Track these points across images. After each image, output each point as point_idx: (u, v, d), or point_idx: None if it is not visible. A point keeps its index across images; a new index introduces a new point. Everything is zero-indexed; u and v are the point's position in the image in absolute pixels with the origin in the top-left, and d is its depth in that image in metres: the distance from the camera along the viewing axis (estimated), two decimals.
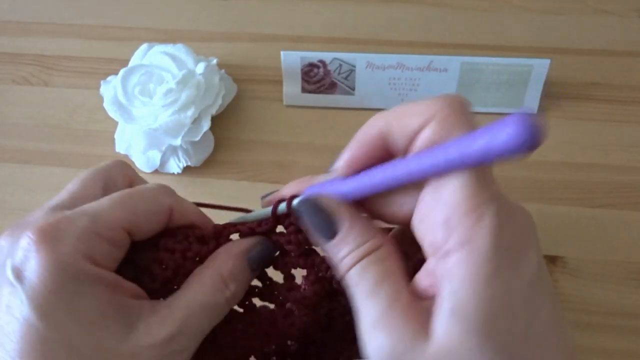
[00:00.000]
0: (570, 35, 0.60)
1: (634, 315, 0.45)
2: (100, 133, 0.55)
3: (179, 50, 0.54)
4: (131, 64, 0.54)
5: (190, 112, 0.50)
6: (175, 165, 0.52)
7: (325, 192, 0.28)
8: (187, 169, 0.52)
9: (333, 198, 0.27)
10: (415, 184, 0.25)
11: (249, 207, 0.33)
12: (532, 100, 0.54)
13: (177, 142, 0.50)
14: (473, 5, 0.63)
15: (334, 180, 0.28)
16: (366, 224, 0.27)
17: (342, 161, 0.27)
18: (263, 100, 0.57)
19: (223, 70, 0.56)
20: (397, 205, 0.26)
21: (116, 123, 0.53)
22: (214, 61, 0.55)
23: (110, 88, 0.53)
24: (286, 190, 0.30)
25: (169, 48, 0.54)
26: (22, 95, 0.59)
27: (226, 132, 0.55)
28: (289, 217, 0.30)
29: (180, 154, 0.52)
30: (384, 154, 0.26)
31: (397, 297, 0.24)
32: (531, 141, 0.20)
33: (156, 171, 0.53)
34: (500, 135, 0.20)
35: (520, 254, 0.23)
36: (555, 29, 0.61)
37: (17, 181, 0.53)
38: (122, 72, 0.52)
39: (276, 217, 0.30)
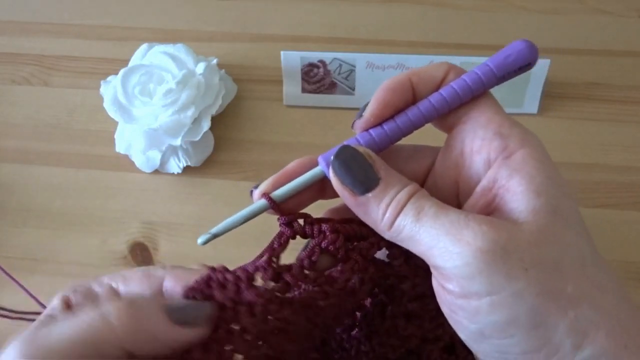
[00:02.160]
0: (570, 35, 0.60)
1: None
2: (100, 133, 0.55)
3: (179, 50, 0.54)
4: (131, 64, 0.54)
5: (190, 112, 0.50)
6: (175, 165, 0.52)
7: (355, 144, 0.27)
8: (187, 169, 0.52)
9: (366, 150, 0.26)
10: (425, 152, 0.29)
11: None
12: (532, 100, 0.54)
13: (177, 142, 0.50)
14: (473, 5, 0.63)
15: (359, 135, 0.27)
16: (398, 172, 0.26)
17: (372, 106, 0.27)
18: (263, 100, 0.57)
19: (223, 70, 0.56)
20: (416, 161, 0.29)
21: (116, 123, 0.53)
22: (214, 61, 0.55)
23: (110, 88, 0.53)
24: (290, 166, 0.28)
25: (169, 48, 0.54)
26: (22, 95, 0.59)
27: (226, 132, 0.55)
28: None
29: (180, 154, 0.52)
30: (407, 100, 0.27)
31: (468, 212, 0.24)
32: (534, 50, 0.27)
33: (156, 171, 0.53)
34: (514, 48, 0.27)
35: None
36: (555, 29, 0.61)
37: (17, 181, 0.53)
38: (122, 72, 0.52)
39: (285, 240, 0.28)
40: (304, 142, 0.55)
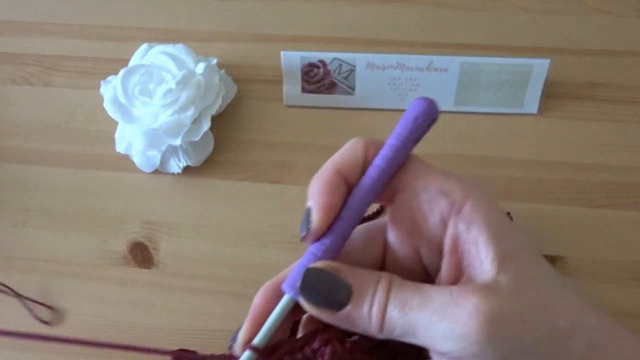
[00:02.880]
0: (570, 35, 0.60)
1: (634, 315, 0.45)
2: (100, 133, 0.55)
3: (179, 50, 0.54)
4: (131, 64, 0.54)
5: (190, 112, 0.50)
6: (175, 165, 0.52)
7: (313, 261, 0.26)
8: (187, 169, 0.52)
9: (326, 262, 0.26)
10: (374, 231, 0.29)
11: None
12: (532, 100, 0.54)
13: (177, 142, 0.50)
14: (473, 5, 0.63)
15: (313, 247, 0.27)
16: (364, 269, 0.26)
17: (317, 215, 0.26)
18: (263, 100, 0.57)
19: (223, 70, 0.56)
20: (370, 245, 0.29)
21: (116, 123, 0.53)
22: (214, 61, 0.55)
23: (110, 88, 0.53)
24: (256, 304, 0.28)
25: (169, 48, 0.54)
26: (22, 95, 0.59)
27: (226, 132, 0.55)
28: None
29: (180, 154, 0.52)
30: (344, 194, 0.27)
31: (448, 287, 0.24)
32: (434, 105, 0.28)
33: (156, 171, 0.53)
34: (418, 109, 0.28)
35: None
36: (555, 29, 0.61)
37: (17, 181, 0.53)
38: (122, 72, 0.52)
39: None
40: (304, 142, 0.55)
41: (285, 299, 0.26)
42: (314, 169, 0.53)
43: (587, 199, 0.51)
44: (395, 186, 0.28)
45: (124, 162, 0.53)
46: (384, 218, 0.29)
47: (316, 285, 0.25)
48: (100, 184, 0.53)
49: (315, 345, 0.26)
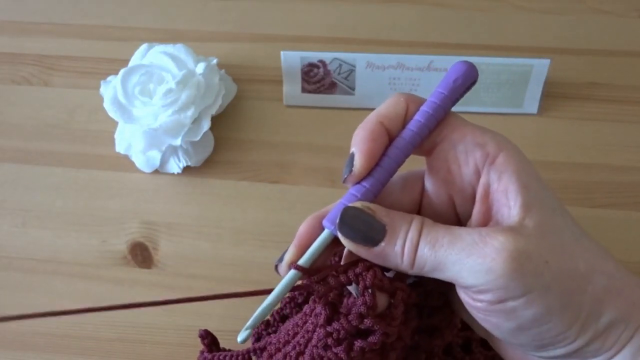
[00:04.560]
0: (570, 35, 0.60)
1: None
2: (100, 133, 0.55)
3: (179, 50, 0.54)
4: (131, 64, 0.54)
5: (190, 112, 0.50)
6: (175, 165, 0.52)
7: (352, 201, 0.28)
8: (187, 169, 0.52)
9: (363, 203, 0.28)
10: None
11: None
12: (532, 100, 0.54)
13: (177, 142, 0.50)
14: (473, 5, 0.63)
15: (353, 188, 0.29)
16: (399, 211, 0.28)
17: (360, 160, 0.28)
18: (263, 100, 0.57)
19: (223, 70, 0.56)
20: (408, 192, 0.31)
21: (116, 123, 0.53)
22: (214, 61, 0.55)
23: (110, 88, 0.53)
24: (301, 232, 0.30)
25: (169, 48, 0.54)
26: (22, 95, 0.59)
27: (226, 132, 0.55)
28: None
29: (180, 154, 0.52)
30: (385, 143, 0.29)
31: (478, 228, 0.26)
32: (474, 68, 0.29)
33: (156, 171, 0.53)
34: (458, 71, 0.29)
35: None
36: (555, 29, 0.61)
37: (17, 181, 0.53)
38: (122, 72, 0.52)
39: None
40: (304, 142, 0.55)
41: (325, 233, 0.28)
42: (314, 169, 0.54)
43: (587, 199, 0.51)
44: (434, 139, 0.29)
45: (124, 162, 0.53)
46: (422, 168, 0.31)
47: (353, 222, 0.27)
48: (100, 184, 0.53)
49: (358, 269, 0.28)
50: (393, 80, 0.54)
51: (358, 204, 0.28)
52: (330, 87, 0.55)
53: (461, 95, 0.30)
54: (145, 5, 0.64)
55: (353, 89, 0.55)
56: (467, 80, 0.29)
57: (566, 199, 0.51)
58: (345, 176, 0.29)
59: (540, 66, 0.52)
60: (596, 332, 0.26)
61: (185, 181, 0.53)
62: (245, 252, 0.49)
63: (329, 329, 0.28)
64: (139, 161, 0.53)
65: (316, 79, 0.55)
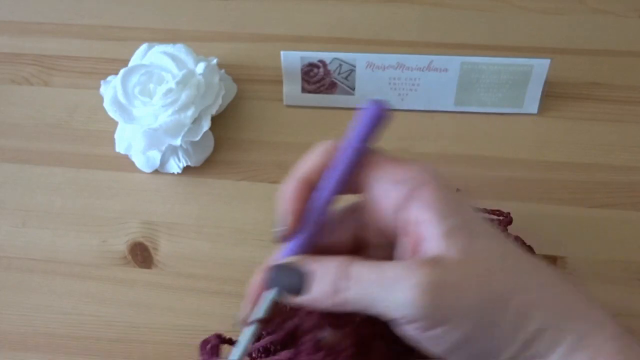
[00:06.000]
0: (570, 35, 0.60)
1: (634, 315, 0.45)
2: (100, 133, 0.55)
3: (179, 50, 0.54)
4: (131, 64, 0.54)
5: (190, 112, 0.50)
6: (175, 165, 0.52)
7: (280, 259, 0.30)
8: (187, 169, 0.52)
9: (290, 258, 0.30)
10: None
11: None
12: (532, 100, 0.54)
13: (177, 142, 0.50)
14: (473, 5, 0.63)
15: (285, 246, 0.31)
16: (325, 256, 0.29)
17: (285, 221, 0.30)
18: (263, 100, 0.57)
19: (223, 70, 0.56)
20: (344, 229, 0.32)
21: (116, 123, 0.53)
22: (214, 61, 0.55)
23: (110, 88, 0.53)
24: (252, 287, 0.32)
25: (169, 48, 0.54)
26: (22, 95, 0.59)
27: (226, 132, 0.55)
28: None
29: (180, 154, 0.52)
30: (308, 197, 0.31)
31: (401, 262, 0.28)
32: (383, 108, 0.30)
33: (156, 171, 0.53)
34: (365, 113, 0.30)
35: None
36: (555, 29, 0.61)
37: (17, 181, 0.53)
38: (122, 72, 0.52)
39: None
40: (304, 142, 0.54)
41: (264, 293, 0.31)
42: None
43: (587, 199, 0.51)
44: (358, 180, 0.31)
45: (124, 162, 0.53)
46: (357, 200, 0.32)
47: (280, 279, 0.29)
48: (100, 184, 0.53)
49: (304, 311, 0.31)
50: (393, 80, 0.54)
51: (284, 260, 0.30)
52: (330, 87, 0.55)
53: (374, 133, 0.31)
54: (145, 5, 0.64)
55: (353, 89, 0.55)
56: (378, 119, 0.30)
57: (566, 199, 0.51)
58: (276, 236, 0.31)
59: (540, 66, 0.52)
60: (526, 342, 0.27)
61: (185, 181, 0.53)
62: (245, 252, 0.49)
63: None
64: (139, 161, 0.53)
65: (316, 79, 0.55)
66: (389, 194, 0.29)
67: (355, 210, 0.32)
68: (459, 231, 0.28)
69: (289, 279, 0.29)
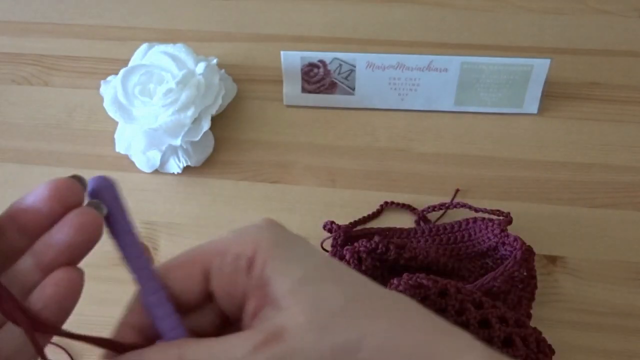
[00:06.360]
0: (570, 35, 0.60)
1: (634, 315, 0.45)
2: (100, 133, 0.55)
3: (179, 50, 0.54)
4: (131, 64, 0.54)
5: (190, 112, 0.50)
6: (175, 165, 0.52)
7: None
8: (187, 169, 0.52)
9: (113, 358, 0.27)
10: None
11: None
12: (532, 100, 0.54)
13: (177, 142, 0.50)
14: (473, 5, 0.63)
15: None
16: (153, 347, 0.27)
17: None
18: (263, 100, 0.57)
19: (223, 70, 0.56)
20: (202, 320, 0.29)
21: (116, 123, 0.53)
22: (214, 61, 0.55)
23: (110, 88, 0.53)
24: None
25: (169, 48, 0.54)
26: (22, 95, 0.59)
27: (226, 132, 0.55)
28: None
29: (180, 154, 0.52)
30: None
31: (237, 335, 0.26)
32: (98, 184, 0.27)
33: (156, 171, 0.53)
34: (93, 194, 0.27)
35: (293, 248, 0.28)
36: (555, 29, 0.61)
37: (17, 181, 0.53)
38: (122, 72, 0.52)
39: None
40: (304, 142, 0.55)
41: None
42: (314, 169, 0.54)
43: (587, 199, 0.51)
44: (194, 280, 0.28)
45: (124, 162, 0.53)
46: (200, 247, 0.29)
47: None
48: None
49: None
50: (393, 80, 0.54)
51: None
52: (330, 87, 0.55)
53: (120, 210, 0.28)
54: (145, 5, 0.64)
55: (353, 89, 0.55)
56: (104, 194, 0.28)
57: (566, 199, 0.51)
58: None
59: (540, 66, 0.52)
60: None
61: (185, 181, 0.53)
62: None
63: None
64: (139, 161, 0.53)
65: (316, 79, 0.55)
66: (229, 276, 0.27)
67: (199, 267, 0.29)
68: (300, 287, 0.26)
69: None
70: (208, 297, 0.29)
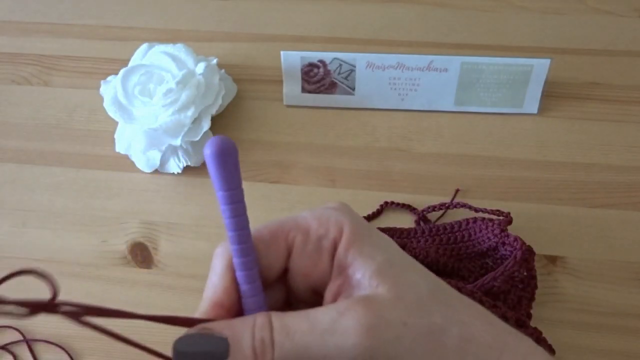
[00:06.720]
0: (570, 35, 0.60)
1: (634, 315, 0.45)
2: (100, 133, 0.55)
3: (179, 50, 0.54)
4: (131, 64, 0.54)
5: (190, 112, 0.50)
6: (175, 165, 0.52)
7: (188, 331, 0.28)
8: (187, 169, 0.52)
9: (199, 326, 0.27)
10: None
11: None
12: (532, 100, 0.54)
13: (177, 142, 0.50)
14: (473, 5, 0.63)
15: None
16: (240, 318, 0.27)
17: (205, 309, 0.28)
18: (263, 100, 0.57)
19: (223, 70, 0.56)
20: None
21: (116, 123, 0.53)
22: (214, 61, 0.55)
23: (110, 88, 0.53)
24: None
25: (169, 48, 0.54)
26: (22, 95, 0.59)
27: (226, 132, 0.55)
28: None
29: (180, 154, 0.52)
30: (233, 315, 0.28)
31: (334, 305, 0.26)
32: (222, 144, 0.27)
33: (156, 171, 0.53)
34: (209, 157, 0.27)
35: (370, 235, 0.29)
36: (555, 29, 0.61)
37: (17, 181, 0.53)
38: (122, 72, 0.52)
39: None
40: (304, 142, 0.55)
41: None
42: (314, 169, 0.54)
43: (587, 199, 0.51)
44: (278, 253, 0.29)
45: (124, 162, 0.53)
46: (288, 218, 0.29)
47: (189, 349, 0.26)
48: (100, 184, 0.53)
49: None
50: (393, 80, 0.54)
51: (192, 330, 0.27)
52: (330, 87, 0.55)
53: (230, 171, 0.28)
54: (145, 5, 0.64)
55: (353, 89, 0.55)
56: (223, 157, 0.27)
57: (566, 199, 0.51)
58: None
59: (540, 66, 0.52)
60: None
61: (185, 181, 0.53)
62: None
63: None
64: (139, 161, 0.53)
65: (316, 79, 0.55)
66: (319, 250, 0.28)
67: (286, 231, 0.30)
68: (386, 269, 0.27)
69: (201, 348, 0.26)
70: (283, 274, 0.29)
